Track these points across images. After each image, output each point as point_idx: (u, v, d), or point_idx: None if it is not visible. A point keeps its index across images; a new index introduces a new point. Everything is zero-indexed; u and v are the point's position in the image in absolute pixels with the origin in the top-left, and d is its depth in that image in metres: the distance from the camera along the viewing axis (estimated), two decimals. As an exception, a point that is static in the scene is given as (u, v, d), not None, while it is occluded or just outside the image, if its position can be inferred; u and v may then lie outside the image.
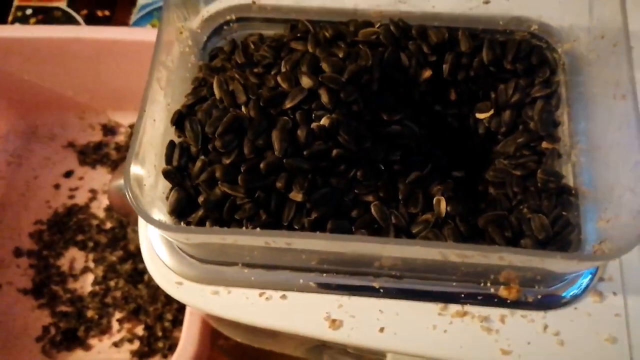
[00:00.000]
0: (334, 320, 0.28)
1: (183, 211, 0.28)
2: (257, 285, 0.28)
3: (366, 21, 0.34)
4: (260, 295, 0.28)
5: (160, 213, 0.28)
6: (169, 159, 0.28)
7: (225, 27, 0.35)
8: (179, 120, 0.29)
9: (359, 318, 0.28)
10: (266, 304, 0.28)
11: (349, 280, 0.28)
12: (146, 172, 0.27)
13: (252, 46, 0.34)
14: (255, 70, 0.31)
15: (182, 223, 0.28)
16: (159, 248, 0.30)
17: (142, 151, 0.27)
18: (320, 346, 0.36)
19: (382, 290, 0.28)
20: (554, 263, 0.24)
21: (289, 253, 0.28)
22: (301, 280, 0.28)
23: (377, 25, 0.33)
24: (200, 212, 0.27)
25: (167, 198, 0.29)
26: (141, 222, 0.32)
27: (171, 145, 0.29)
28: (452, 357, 0.27)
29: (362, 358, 0.36)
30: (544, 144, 0.32)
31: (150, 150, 0.27)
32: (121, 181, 0.44)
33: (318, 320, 0.28)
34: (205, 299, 0.28)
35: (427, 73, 0.33)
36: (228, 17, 0.35)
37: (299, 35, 0.33)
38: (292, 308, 0.28)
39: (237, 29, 0.35)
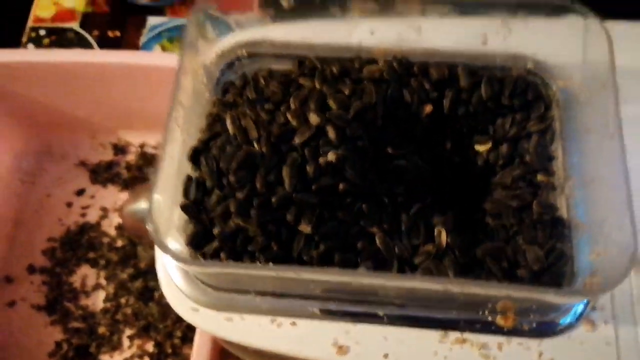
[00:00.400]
0: (340, 347, 0.29)
1: (199, 243, 0.29)
2: (268, 312, 0.30)
3: (370, 58, 0.36)
4: (272, 322, 0.30)
5: (176, 242, 0.30)
6: (186, 193, 0.30)
7: (237, 62, 0.37)
8: (195, 156, 0.31)
9: (365, 344, 0.30)
10: (277, 331, 0.30)
11: (355, 308, 0.30)
12: (164, 204, 0.29)
13: (262, 81, 0.36)
14: (266, 106, 0.33)
15: (197, 254, 0.30)
16: (174, 274, 0.32)
17: (162, 186, 0.28)
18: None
19: (386, 318, 0.30)
20: (546, 296, 0.26)
21: (298, 283, 0.29)
22: (310, 308, 0.30)
23: (380, 62, 0.35)
24: (215, 244, 0.29)
25: (183, 229, 0.31)
26: (158, 249, 0.34)
27: (188, 180, 0.31)
28: (453, 382, 0.29)
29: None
30: (539, 177, 0.34)
31: (168, 183, 0.29)
32: (135, 205, 0.46)
33: (326, 346, 0.29)
34: (219, 325, 0.30)
35: (429, 108, 0.34)
36: (239, 53, 0.36)
37: (306, 71, 0.35)
38: (302, 334, 0.30)
39: (248, 64, 0.37)
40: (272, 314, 0.30)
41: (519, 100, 0.35)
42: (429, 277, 0.27)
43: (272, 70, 0.37)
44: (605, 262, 0.27)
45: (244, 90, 0.35)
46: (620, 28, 0.36)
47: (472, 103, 0.35)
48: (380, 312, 0.30)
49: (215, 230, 0.29)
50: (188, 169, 0.32)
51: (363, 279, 0.27)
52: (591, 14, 0.31)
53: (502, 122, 0.35)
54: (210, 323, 0.30)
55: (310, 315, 0.30)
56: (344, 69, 0.35)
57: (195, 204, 0.30)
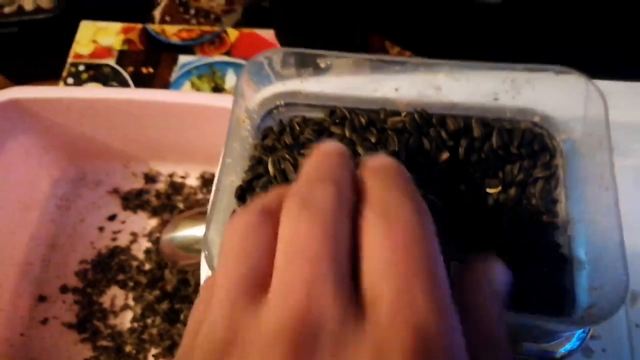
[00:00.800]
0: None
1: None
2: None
3: (394, 110, 0.40)
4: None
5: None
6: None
7: (274, 111, 0.41)
8: (241, 194, 0.35)
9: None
10: None
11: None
12: (216, 234, 0.33)
13: (297, 127, 0.40)
14: (302, 151, 0.38)
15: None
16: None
17: (215, 219, 0.33)
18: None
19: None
20: (549, 325, 0.30)
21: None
22: None
23: (403, 114, 0.40)
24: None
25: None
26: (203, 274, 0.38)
27: (234, 213, 0.35)
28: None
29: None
30: (545, 218, 0.38)
31: (219, 216, 0.34)
32: (173, 234, 0.51)
33: None
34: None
35: (445, 155, 0.39)
36: (278, 102, 0.41)
37: (337, 120, 0.40)
38: None
39: (285, 112, 0.42)
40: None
41: (526, 149, 0.39)
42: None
43: (305, 117, 0.41)
44: (601, 296, 0.31)
45: (281, 136, 0.40)
46: (615, 87, 0.41)
47: (484, 151, 0.39)
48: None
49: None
50: (234, 204, 0.36)
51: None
52: (590, 81, 0.35)
53: (511, 169, 0.39)
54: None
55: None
56: (370, 120, 0.39)
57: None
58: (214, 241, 0.32)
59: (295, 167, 0.36)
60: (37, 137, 0.67)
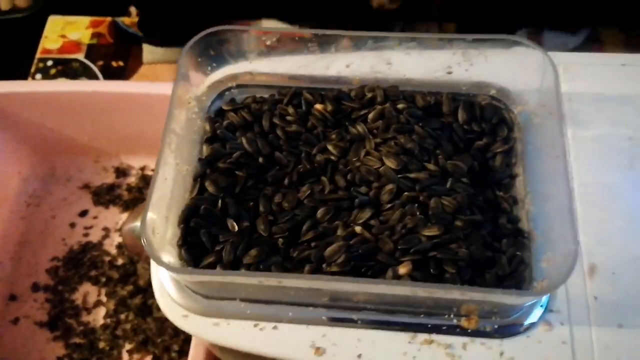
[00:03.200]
0: (318, 348, 0.32)
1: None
2: (252, 317, 0.33)
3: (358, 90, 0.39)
4: (255, 326, 0.33)
5: (170, 256, 0.33)
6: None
7: (226, 93, 0.40)
8: (201, 175, 0.35)
9: (340, 346, 0.32)
10: (260, 334, 0.33)
11: (331, 313, 0.33)
12: (158, 221, 0.32)
13: (255, 106, 0.39)
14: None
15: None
16: (168, 285, 0.35)
17: (155, 205, 0.32)
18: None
19: (359, 322, 0.33)
20: (498, 298, 0.29)
21: (279, 290, 0.32)
22: (290, 313, 0.33)
23: (368, 94, 0.39)
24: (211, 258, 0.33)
25: (177, 243, 0.34)
26: (153, 262, 0.37)
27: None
28: (421, 380, 0.32)
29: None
30: (503, 194, 0.37)
31: (162, 205, 0.33)
32: (134, 224, 0.50)
33: (304, 348, 0.32)
34: (207, 330, 0.33)
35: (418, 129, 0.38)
36: (229, 84, 0.40)
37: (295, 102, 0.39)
38: (282, 337, 0.33)
39: (237, 94, 0.41)
40: (256, 319, 0.33)
41: (487, 125, 0.38)
42: (396, 281, 0.30)
43: (256, 97, 0.40)
44: (552, 267, 0.30)
45: (240, 115, 0.39)
46: (574, 60, 0.40)
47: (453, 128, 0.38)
48: (355, 317, 0.33)
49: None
50: (180, 189, 0.35)
51: (337, 284, 0.30)
52: (541, 49, 0.34)
53: (476, 144, 0.38)
54: (199, 328, 0.33)
55: (290, 320, 0.33)
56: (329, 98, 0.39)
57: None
58: (154, 228, 0.31)
59: (270, 144, 0.36)
60: (4, 133, 0.66)
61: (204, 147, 0.37)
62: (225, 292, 0.33)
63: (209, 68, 0.38)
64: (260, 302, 0.33)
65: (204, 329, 0.33)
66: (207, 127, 0.38)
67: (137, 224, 0.51)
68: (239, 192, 0.36)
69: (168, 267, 0.30)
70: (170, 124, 0.32)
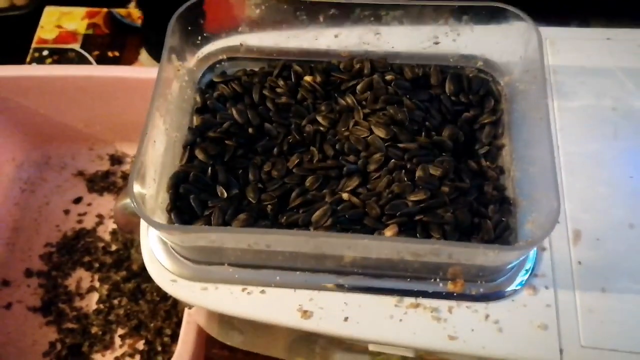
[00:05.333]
0: (305, 312, 0.32)
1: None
2: (240, 282, 0.33)
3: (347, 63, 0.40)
4: (243, 290, 0.33)
5: (159, 219, 0.33)
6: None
7: (217, 65, 0.41)
8: (191, 142, 0.35)
9: (327, 309, 0.33)
10: (248, 298, 0.33)
11: (318, 277, 0.33)
12: (147, 185, 0.33)
13: (246, 78, 0.40)
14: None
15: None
16: (157, 251, 0.35)
17: (144, 167, 0.32)
18: (311, 338, 0.40)
19: (346, 286, 0.33)
20: (482, 253, 0.29)
21: (267, 254, 0.32)
22: (277, 277, 0.33)
23: (357, 65, 0.39)
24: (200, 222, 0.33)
25: (166, 209, 0.34)
26: (143, 230, 0.37)
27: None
28: (407, 343, 0.32)
29: (351, 347, 0.40)
30: (490, 164, 0.37)
31: (150, 167, 0.33)
32: (125, 200, 0.50)
33: (291, 312, 0.32)
34: (195, 294, 0.33)
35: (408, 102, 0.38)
36: (220, 57, 0.41)
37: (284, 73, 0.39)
38: (270, 301, 0.33)
39: (228, 67, 0.41)
40: (243, 283, 0.33)
41: (474, 97, 0.38)
42: (381, 237, 0.31)
43: (246, 70, 0.41)
44: (536, 227, 0.30)
45: (230, 87, 0.39)
46: (559, 33, 0.41)
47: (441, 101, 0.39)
48: (342, 281, 0.33)
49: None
50: (171, 156, 0.35)
51: (322, 239, 0.30)
52: (526, 16, 0.35)
53: (464, 116, 0.38)
54: (188, 292, 0.33)
55: (278, 284, 0.33)
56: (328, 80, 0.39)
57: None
58: (141, 190, 0.31)
59: (260, 115, 0.36)
60: (-2, 120, 0.66)
61: (194, 118, 0.37)
62: (214, 257, 0.34)
63: (199, 38, 0.38)
64: (248, 266, 0.34)
65: (192, 294, 0.33)
66: (198, 99, 0.38)
67: (129, 200, 0.51)
68: (229, 161, 0.36)
69: (157, 224, 0.30)
70: (159, 88, 0.33)
